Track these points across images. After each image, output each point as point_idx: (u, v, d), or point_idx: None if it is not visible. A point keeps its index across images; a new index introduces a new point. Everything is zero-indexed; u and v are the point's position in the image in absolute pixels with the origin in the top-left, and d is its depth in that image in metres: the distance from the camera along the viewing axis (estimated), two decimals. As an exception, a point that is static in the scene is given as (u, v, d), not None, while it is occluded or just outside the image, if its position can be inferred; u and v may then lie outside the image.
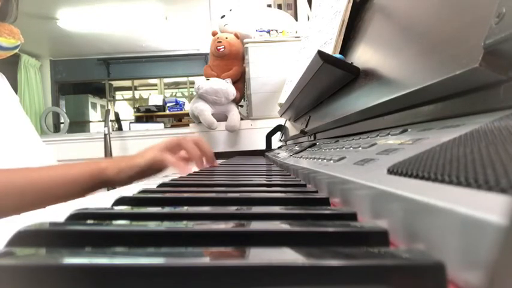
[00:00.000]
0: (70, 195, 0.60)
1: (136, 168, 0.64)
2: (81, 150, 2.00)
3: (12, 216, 0.24)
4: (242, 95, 1.77)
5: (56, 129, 5.11)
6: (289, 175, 0.54)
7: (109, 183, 0.63)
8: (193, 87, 1.74)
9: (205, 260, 0.14)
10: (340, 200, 0.27)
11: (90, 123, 6.19)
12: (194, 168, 0.70)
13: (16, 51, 0.76)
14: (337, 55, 0.61)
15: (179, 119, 5.58)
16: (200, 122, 1.62)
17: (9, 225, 0.20)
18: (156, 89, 6.45)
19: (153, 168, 0.65)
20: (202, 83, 1.58)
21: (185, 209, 0.24)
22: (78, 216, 0.22)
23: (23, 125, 0.76)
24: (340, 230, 0.17)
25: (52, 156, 0.79)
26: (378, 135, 0.37)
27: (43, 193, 0.56)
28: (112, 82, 6.33)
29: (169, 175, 0.61)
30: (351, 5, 0.67)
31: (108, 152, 1.96)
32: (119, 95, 6.58)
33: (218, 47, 1.66)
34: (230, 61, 1.69)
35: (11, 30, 0.72)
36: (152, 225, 0.18)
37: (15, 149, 0.69)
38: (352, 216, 0.21)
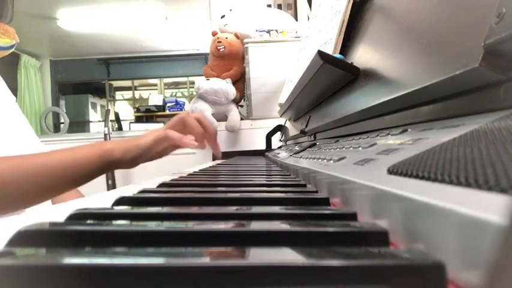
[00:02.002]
0: (81, 178, 0.61)
1: (141, 148, 0.63)
2: (81, 150, 2.00)
3: (12, 216, 0.24)
4: (242, 95, 1.77)
5: (56, 129, 5.12)
6: (289, 175, 0.53)
7: (116, 164, 0.63)
8: (193, 87, 1.74)
9: (205, 260, 0.14)
10: (340, 200, 0.27)
11: (90, 123, 6.19)
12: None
13: (11, 50, 0.76)
14: (337, 55, 0.61)
15: (179, 119, 5.57)
16: (200, 122, 1.62)
17: (9, 225, 0.20)
18: (156, 89, 6.45)
19: (158, 148, 0.65)
20: (202, 83, 1.58)
21: (185, 209, 0.24)
22: (78, 216, 0.22)
23: (20, 125, 0.76)
24: (340, 230, 0.17)
25: None
26: (378, 135, 0.37)
27: (56, 176, 0.56)
28: (112, 82, 6.33)
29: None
30: (351, 5, 0.67)
31: (108, 152, 1.96)
32: (119, 95, 6.58)
33: (218, 47, 1.66)
34: (230, 61, 1.69)
35: (6, 30, 0.72)
36: (152, 225, 0.18)
37: (13, 149, 0.69)
38: (352, 216, 0.21)
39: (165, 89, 6.43)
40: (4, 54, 0.75)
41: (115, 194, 0.30)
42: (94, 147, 0.61)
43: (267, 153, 1.28)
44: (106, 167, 0.61)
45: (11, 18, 0.74)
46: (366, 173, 0.24)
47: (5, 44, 0.73)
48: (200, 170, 0.70)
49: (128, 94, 6.56)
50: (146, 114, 5.67)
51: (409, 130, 0.32)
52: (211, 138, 0.73)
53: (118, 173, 2.02)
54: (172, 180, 0.47)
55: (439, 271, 0.12)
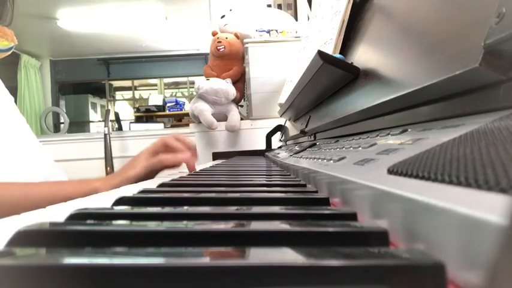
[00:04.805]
0: None
1: (131, 180, 0.64)
2: (81, 150, 2.00)
3: (12, 216, 0.24)
4: (242, 95, 1.77)
5: (56, 129, 5.12)
6: (289, 175, 0.53)
7: None
8: (193, 87, 1.74)
9: (205, 260, 0.14)
10: (340, 200, 0.27)
11: (90, 123, 6.19)
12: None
13: (9, 53, 0.76)
14: (337, 55, 0.61)
15: (179, 119, 5.58)
16: (200, 122, 1.62)
17: (9, 225, 0.20)
18: (156, 89, 6.44)
19: (151, 175, 0.66)
20: (202, 83, 1.58)
21: (185, 209, 0.24)
22: (78, 216, 0.22)
23: (18, 125, 0.76)
24: (340, 230, 0.17)
25: (49, 156, 0.79)
26: (378, 135, 0.37)
27: (35, 209, 0.56)
28: (112, 82, 6.33)
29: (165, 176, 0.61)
30: (350, 5, 0.67)
31: (108, 152, 1.96)
32: (119, 95, 6.58)
33: (218, 47, 1.66)
34: (230, 61, 1.69)
35: (4, 32, 0.72)
36: (152, 225, 0.18)
37: (11, 149, 0.69)
38: (352, 216, 0.21)
39: (165, 89, 6.42)
40: (3, 56, 0.75)
41: (115, 194, 0.30)
42: (79, 185, 0.61)
43: (267, 153, 1.28)
44: None
45: (10, 21, 0.74)
46: (365, 173, 0.24)
47: (3, 46, 0.73)
48: (200, 170, 0.70)
49: (128, 94, 6.56)
50: (146, 114, 5.66)
51: (409, 130, 0.32)
52: (193, 155, 0.73)
53: (118, 173, 2.02)
54: (172, 180, 0.47)
55: (439, 271, 0.12)
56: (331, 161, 0.36)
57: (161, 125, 5.04)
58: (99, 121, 6.08)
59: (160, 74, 6.18)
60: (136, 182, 0.64)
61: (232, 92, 1.59)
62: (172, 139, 0.71)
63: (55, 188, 0.61)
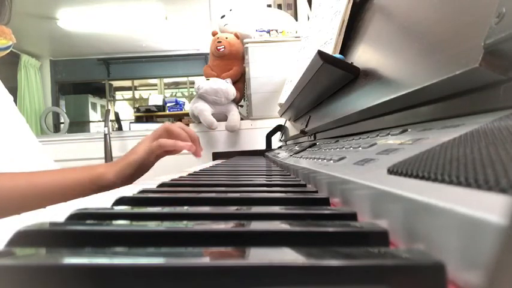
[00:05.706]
0: (69, 200, 0.61)
1: (133, 165, 0.65)
2: (81, 150, 2.00)
3: (12, 216, 0.24)
4: (242, 95, 1.77)
5: (56, 129, 5.12)
6: (289, 175, 0.53)
7: (109, 187, 0.63)
8: (193, 87, 1.74)
9: (205, 260, 0.14)
10: (340, 200, 0.27)
11: (90, 123, 6.19)
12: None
13: (8, 51, 0.76)
14: (337, 55, 0.61)
15: (179, 119, 5.57)
16: (200, 122, 1.62)
17: (9, 225, 0.20)
18: (156, 89, 6.45)
19: (151, 158, 0.67)
20: (202, 83, 1.58)
21: (185, 209, 0.24)
22: (78, 216, 0.22)
23: (17, 125, 0.76)
24: (340, 230, 0.17)
25: (48, 156, 0.79)
26: (378, 135, 0.37)
27: (43, 197, 0.57)
28: (112, 82, 6.33)
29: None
30: (351, 5, 0.67)
31: (108, 152, 1.96)
32: (119, 95, 6.58)
33: (218, 47, 1.66)
34: (230, 61, 1.69)
35: (2, 31, 0.73)
36: (152, 225, 0.18)
37: (10, 149, 0.69)
38: (352, 216, 0.21)
39: (165, 89, 6.43)
40: (1, 55, 0.75)
41: (115, 194, 0.30)
42: (85, 171, 0.62)
43: (267, 153, 1.28)
44: (98, 190, 0.62)
45: (8, 20, 0.74)
46: (366, 173, 0.24)
47: (1, 45, 0.73)
48: (200, 170, 0.70)
49: (128, 94, 6.56)
50: (146, 114, 5.66)
51: (409, 130, 0.32)
52: (195, 143, 0.75)
53: (118, 173, 2.02)
54: (172, 180, 0.47)
55: (439, 271, 0.12)
56: (331, 161, 0.36)
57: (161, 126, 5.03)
58: (99, 121, 6.08)
59: (160, 74, 6.18)
60: (139, 168, 0.65)
61: (232, 92, 1.59)
62: (175, 126, 0.72)
63: (61, 175, 0.61)
